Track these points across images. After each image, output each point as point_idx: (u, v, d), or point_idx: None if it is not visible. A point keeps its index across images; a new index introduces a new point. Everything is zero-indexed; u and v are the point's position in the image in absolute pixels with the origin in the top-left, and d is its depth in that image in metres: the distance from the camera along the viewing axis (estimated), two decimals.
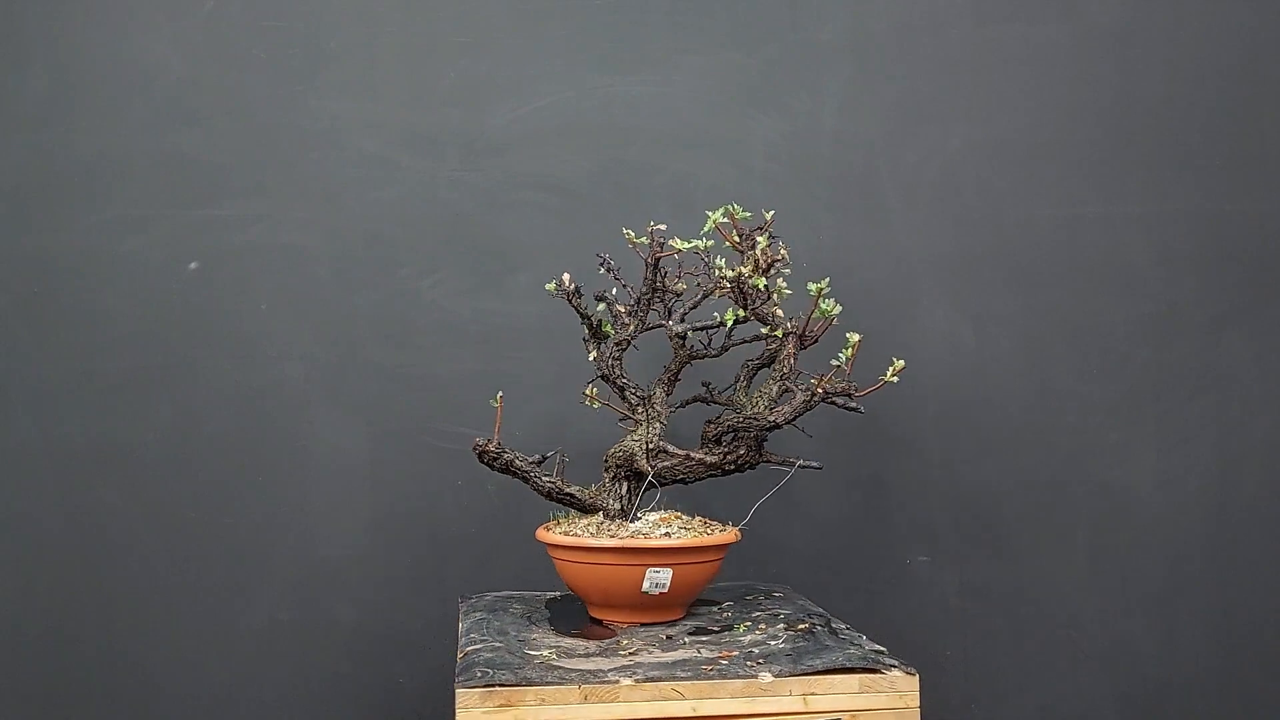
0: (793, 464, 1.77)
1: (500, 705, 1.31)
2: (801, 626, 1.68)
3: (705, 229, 1.74)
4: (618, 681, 1.39)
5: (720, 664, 1.48)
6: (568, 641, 1.65)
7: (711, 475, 1.81)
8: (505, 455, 1.77)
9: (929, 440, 2.18)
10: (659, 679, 1.41)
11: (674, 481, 1.82)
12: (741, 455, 1.79)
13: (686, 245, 1.74)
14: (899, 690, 1.46)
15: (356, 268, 2.15)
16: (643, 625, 1.73)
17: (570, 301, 1.80)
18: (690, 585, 1.72)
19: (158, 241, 2.13)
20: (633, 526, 1.75)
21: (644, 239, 1.78)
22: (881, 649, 1.56)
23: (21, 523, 2.12)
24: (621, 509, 1.78)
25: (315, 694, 2.14)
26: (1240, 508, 2.20)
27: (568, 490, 1.80)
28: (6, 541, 2.12)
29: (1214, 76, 2.20)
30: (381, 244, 2.15)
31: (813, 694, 1.43)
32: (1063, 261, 2.19)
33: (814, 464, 1.80)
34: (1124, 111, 2.20)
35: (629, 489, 1.79)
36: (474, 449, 1.77)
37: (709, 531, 1.74)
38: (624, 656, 1.53)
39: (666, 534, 1.71)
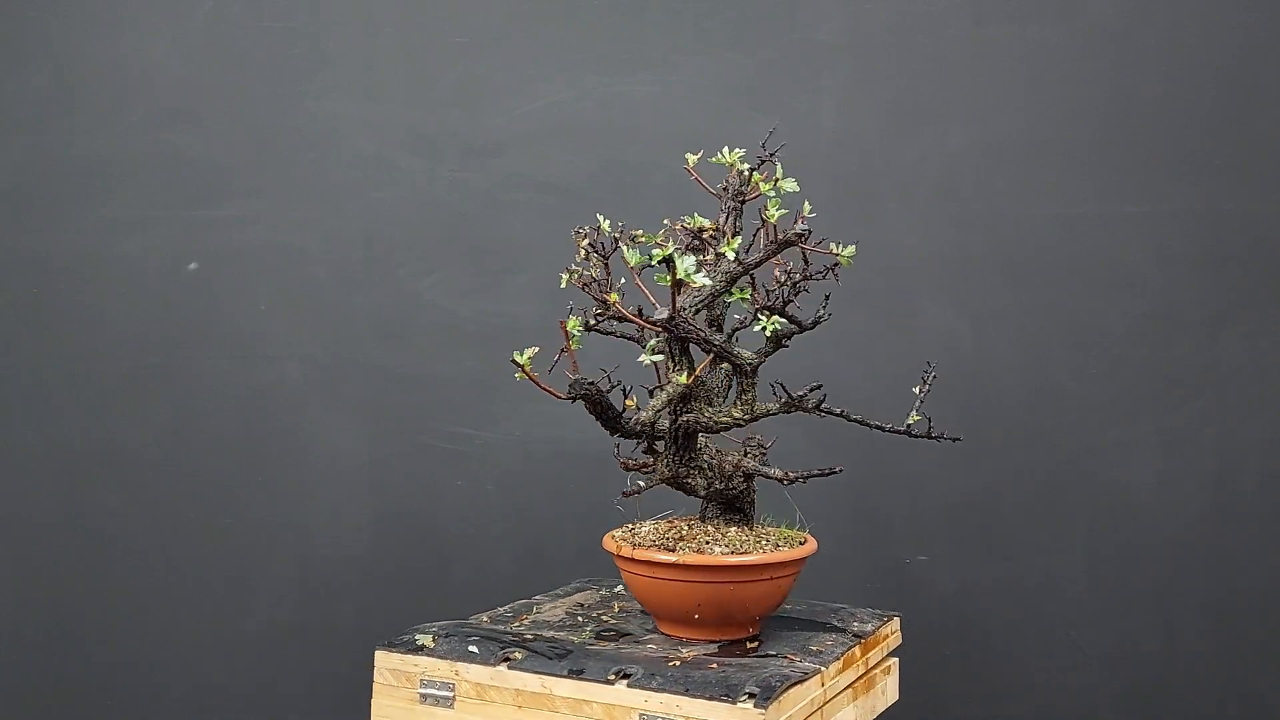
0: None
1: None
2: None
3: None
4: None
5: None
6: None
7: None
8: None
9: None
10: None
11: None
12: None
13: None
14: None
15: (355, 268, 2.15)
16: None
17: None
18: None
19: (158, 241, 2.13)
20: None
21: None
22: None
23: (21, 523, 2.12)
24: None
25: (315, 694, 2.15)
26: (1239, 507, 2.20)
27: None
28: (6, 541, 2.12)
29: (1213, 76, 2.20)
30: (380, 244, 2.16)
31: None
32: (1061, 261, 2.19)
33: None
34: (1122, 111, 2.20)
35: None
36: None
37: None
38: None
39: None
